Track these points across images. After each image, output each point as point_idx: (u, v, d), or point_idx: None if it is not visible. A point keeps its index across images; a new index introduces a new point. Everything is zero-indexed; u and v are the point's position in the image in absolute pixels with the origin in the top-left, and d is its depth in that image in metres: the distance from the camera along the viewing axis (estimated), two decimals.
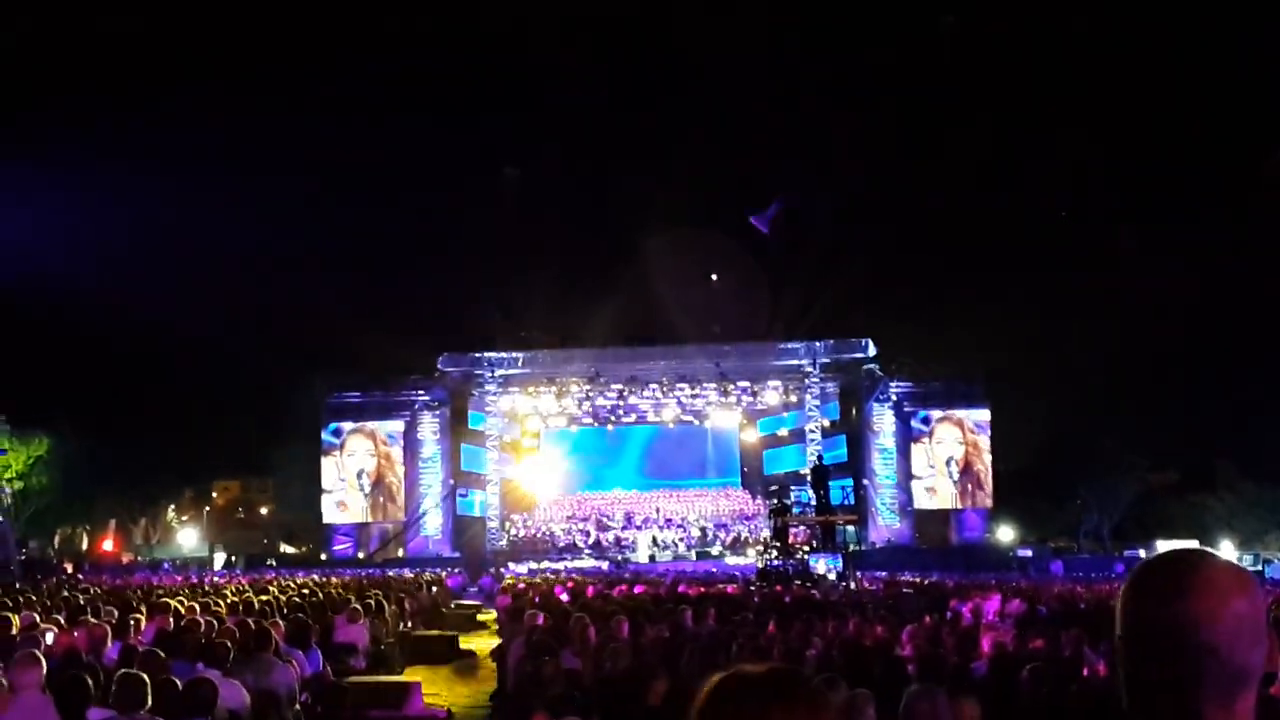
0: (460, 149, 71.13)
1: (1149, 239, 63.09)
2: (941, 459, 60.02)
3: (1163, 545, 53.26)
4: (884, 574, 41.18)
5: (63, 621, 15.21)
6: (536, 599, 20.56)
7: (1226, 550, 55.86)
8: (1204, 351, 61.51)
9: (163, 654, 11.12)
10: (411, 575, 40.82)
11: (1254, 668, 1.99)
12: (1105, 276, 64.93)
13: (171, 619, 15.84)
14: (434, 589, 34.25)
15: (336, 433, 60.76)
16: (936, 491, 60.18)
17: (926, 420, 60.25)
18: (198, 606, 17.95)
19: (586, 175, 68.78)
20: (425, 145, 69.91)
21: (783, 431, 64.64)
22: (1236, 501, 63.61)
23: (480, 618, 30.54)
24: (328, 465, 60.73)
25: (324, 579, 37.53)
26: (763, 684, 2.05)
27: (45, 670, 8.43)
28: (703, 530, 59.41)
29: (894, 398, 60.24)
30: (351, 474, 60.61)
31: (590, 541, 58.88)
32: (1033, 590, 28.41)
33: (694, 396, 61.78)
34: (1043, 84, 66.73)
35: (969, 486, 60.11)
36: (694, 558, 55.61)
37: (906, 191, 66.49)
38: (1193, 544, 52.71)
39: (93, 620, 14.52)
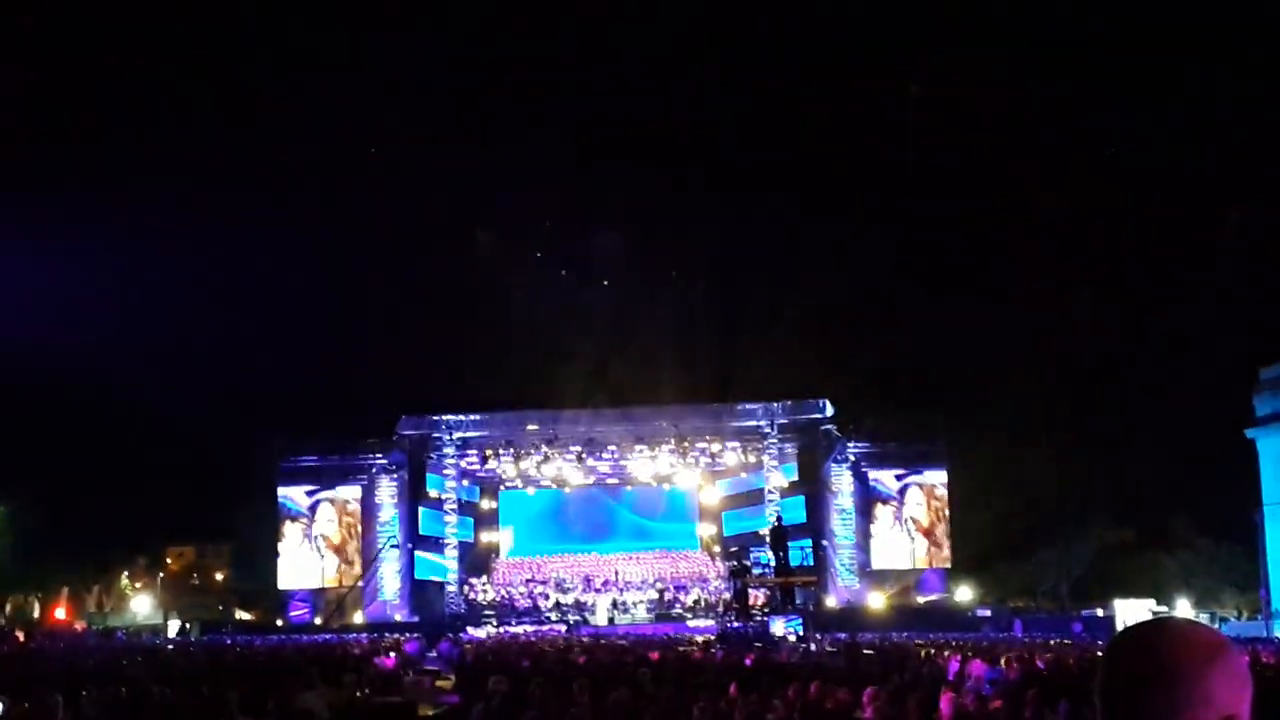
0: (421, 211, 71.09)
1: (1106, 298, 63.78)
2: (901, 520, 60.28)
3: (1120, 604, 53.59)
4: (844, 635, 41.09)
5: (15, 693, 14.99)
6: (496, 663, 20.40)
7: (1182, 608, 56.16)
8: (1161, 409, 62.01)
9: None
10: (367, 641, 40.45)
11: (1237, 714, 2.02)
12: (1062, 335, 65.50)
13: (125, 689, 15.64)
14: (391, 654, 33.85)
15: (295, 499, 60.40)
16: (896, 552, 60.37)
17: (887, 483, 60.52)
18: (152, 675, 17.73)
19: (546, 239, 68.89)
20: (386, 207, 69.85)
21: (741, 492, 64.60)
22: (1193, 559, 63.94)
23: (440, 684, 30.19)
24: (285, 531, 60.33)
25: (280, 645, 37.18)
26: None
27: None
28: (662, 592, 59.19)
29: (852, 458, 60.46)
30: (308, 540, 60.22)
31: (550, 605, 58.54)
32: (992, 650, 28.43)
33: (652, 458, 61.67)
34: (999, 137, 67.48)
35: (928, 547, 60.34)
36: (654, 620, 55.41)
37: (862, 254, 66.94)
38: (1149, 603, 53.13)
39: (43, 690, 14.31)
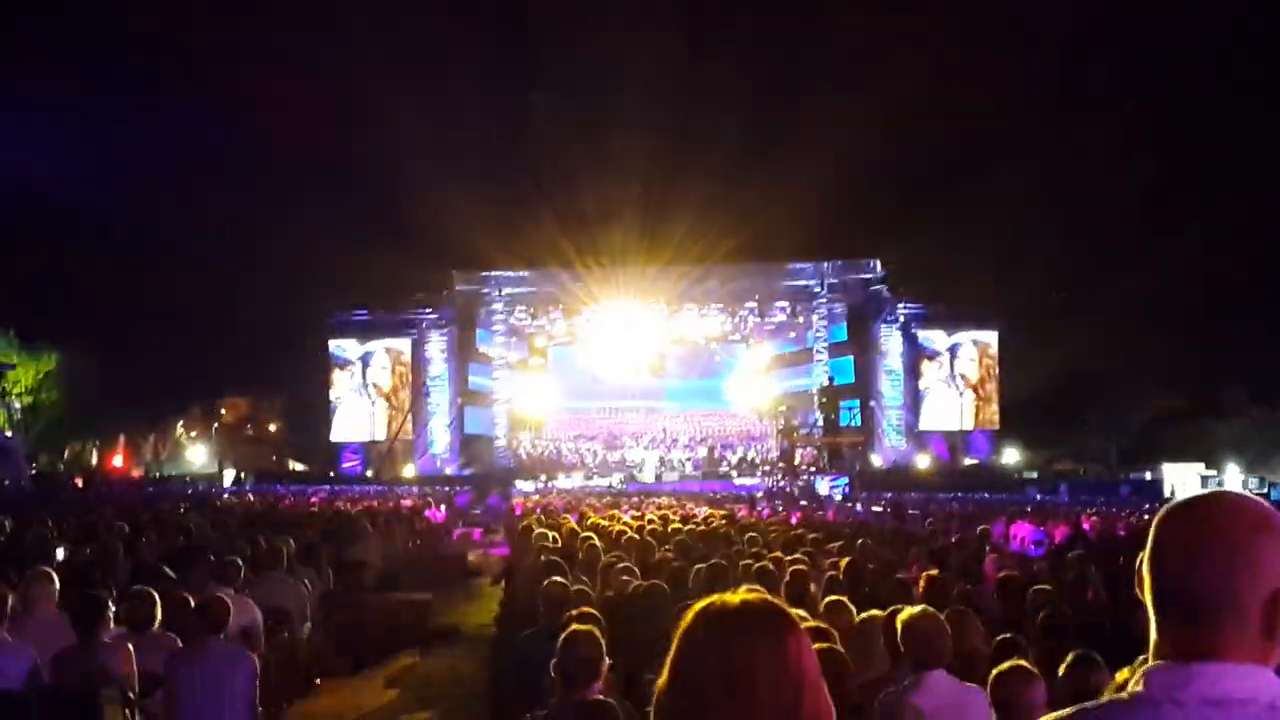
0: (475, 68, 70.21)
1: (1162, 167, 62.73)
2: (950, 377, 60.16)
3: (1168, 469, 53.43)
4: (890, 495, 41.33)
5: (75, 538, 15.32)
6: (544, 518, 20.65)
7: (1233, 473, 55.95)
8: (1214, 277, 61.29)
9: (173, 572, 11.22)
10: (418, 494, 41.06)
11: (1220, 601, 1.99)
12: (1117, 200, 64.67)
13: (183, 536, 15.94)
14: (441, 507, 34.39)
15: (346, 350, 60.99)
16: (944, 412, 60.36)
17: (936, 342, 60.28)
18: (209, 523, 18.06)
19: (600, 99, 68.01)
20: (438, 63, 69.05)
21: (790, 352, 64.56)
22: (1245, 426, 63.53)
23: (488, 536, 30.67)
24: (336, 382, 61.04)
25: (332, 496, 37.79)
26: (739, 615, 2.12)
27: (58, 587, 8.50)
28: (711, 450, 59.58)
29: (901, 319, 60.18)
30: (359, 391, 60.92)
31: (597, 460, 59.13)
32: (1038, 512, 28.54)
33: (701, 316, 61.66)
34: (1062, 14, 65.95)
35: (976, 404, 60.29)
36: (701, 478, 55.88)
37: (924, 117, 65.88)
38: (1198, 467, 52.98)
39: (104, 537, 14.63)
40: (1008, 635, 6.70)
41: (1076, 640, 6.57)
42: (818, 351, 60.27)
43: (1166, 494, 46.20)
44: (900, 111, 63.68)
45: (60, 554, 12.85)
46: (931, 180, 65.97)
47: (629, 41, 67.67)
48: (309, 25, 67.59)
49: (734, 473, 56.73)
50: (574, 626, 5.81)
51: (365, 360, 61.15)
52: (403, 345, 61.23)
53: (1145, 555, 2.11)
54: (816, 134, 63.24)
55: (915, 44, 62.55)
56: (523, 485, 51.76)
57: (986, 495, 44.29)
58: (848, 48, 67.45)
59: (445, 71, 67.48)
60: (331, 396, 61.13)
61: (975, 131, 69.00)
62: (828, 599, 7.98)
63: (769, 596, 2.18)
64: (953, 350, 60.37)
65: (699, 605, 2.16)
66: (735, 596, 2.15)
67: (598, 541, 12.40)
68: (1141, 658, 2.13)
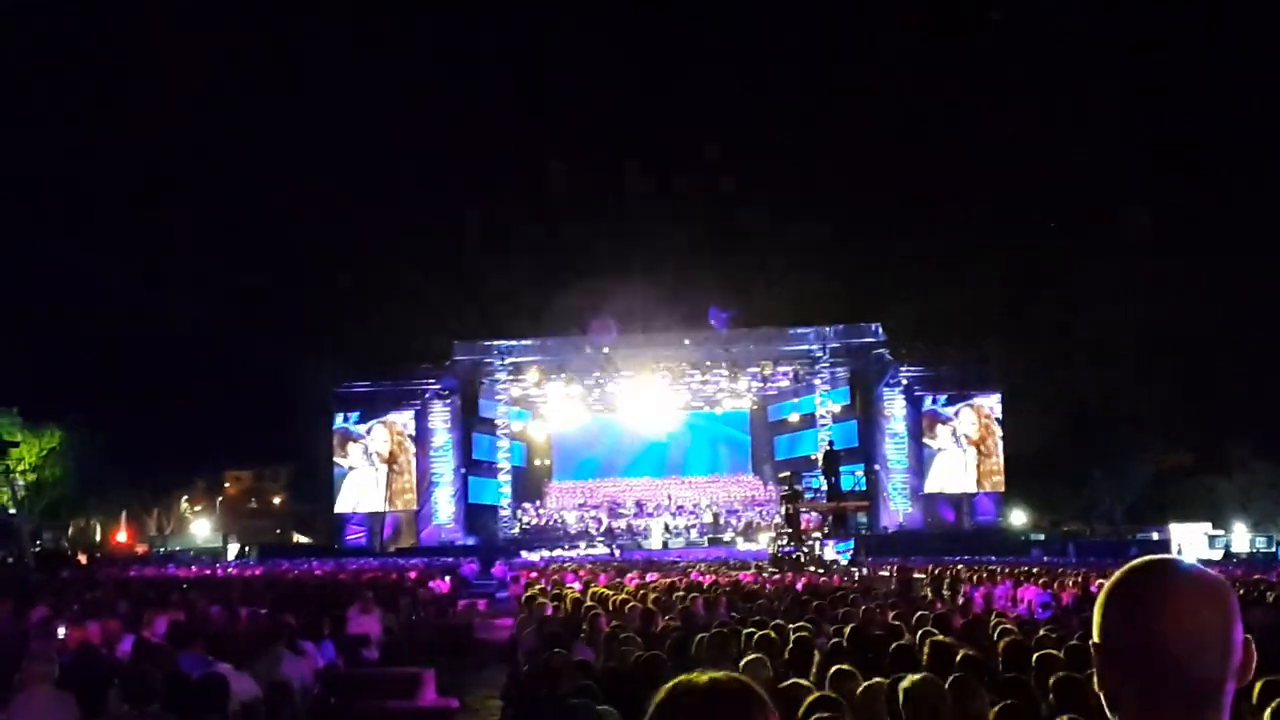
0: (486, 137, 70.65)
1: (1162, 220, 62.99)
2: (954, 443, 59.90)
3: (1175, 528, 53.22)
4: (896, 559, 41.08)
5: (76, 615, 15.26)
6: (549, 588, 20.57)
7: (1239, 532, 55.69)
8: (1218, 332, 61.36)
9: (175, 648, 11.16)
10: (423, 565, 40.84)
11: (1220, 680, 2.03)
12: (1118, 258, 64.88)
13: (184, 612, 15.87)
14: (446, 578, 34.18)
15: (348, 422, 60.85)
16: (948, 476, 60.04)
17: (939, 404, 60.09)
18: (210, 599, 17.98)
19: (602, 168, 68.51)
20: (443, 134, 69.43)
21: (794, 417, 64.49)
22: (1250, 482, 63.27)
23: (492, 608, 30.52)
24: (341, 455, 60.83)
25: (336, 569, 37.64)
26: (704, 696, 2.11)
27: (58, 666, 8.46)
28: (715, 516, 59.38)
29: (904, 382, 60.08)
30: (364, 464, 60.71)
31: (602, 529, 58.91)
32: (1046, 575, 28.37)
33: (704, 383, 61.68)
34: (1059, 66, 66.45)
35: (981, 470, 59.95)
36: (706, 544, 55.65)
37: (920, 174, 66.43)
38: (1205, 527, 52.80)
39: (106, 614, 14.57)
40: (1010, 701, 6.65)
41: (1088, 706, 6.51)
42: (821, 416, 60.22)
43: (1174, 554, 45.96)
44: (901, 177, 64.30)
45: (61, 632, 12.80)
46: (931, 243, 66.20)
47: (641, 117, 68.43)
48: (318, 103, 68.07)
49: (739, 538, 56.51)
50: (573, 701, 5.78)
51: (369, 431, 60.98)
52: (406, 416, 61.07)
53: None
54: (820, 201, 63.87)
55: (919, 110, 63.22)
56: (527, 555, 51.54)
57: (993, 558, 44.03)
58: (857, 117, 68.04)
59: (460, 144, 67.83)
60: (335, 468, 60.91)
61: (973, 191, 69.49)
62: (832, 667, 7.94)
63: (739, 676, 2.17)
64: (956, 412, 60.12)
65: (668, 685, 2.15)
66: (704, 676, 2.14)
67: (601, 610, 12.36)
68: None
